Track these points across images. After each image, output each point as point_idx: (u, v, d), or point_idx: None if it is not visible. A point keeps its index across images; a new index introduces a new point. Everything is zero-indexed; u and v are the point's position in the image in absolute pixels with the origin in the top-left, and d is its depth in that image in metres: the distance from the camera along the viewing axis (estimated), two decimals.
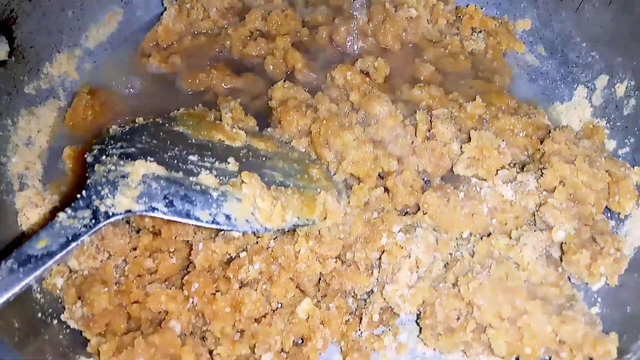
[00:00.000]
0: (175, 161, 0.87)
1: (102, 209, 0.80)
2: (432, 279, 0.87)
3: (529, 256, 0.85)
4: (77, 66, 1.15)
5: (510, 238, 0.89)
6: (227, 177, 0.87)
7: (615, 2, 1.06)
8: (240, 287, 0.86)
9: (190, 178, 0.85)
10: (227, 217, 0.84)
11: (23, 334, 0.81)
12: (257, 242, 0.91)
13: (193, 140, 0.92)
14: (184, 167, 0.86)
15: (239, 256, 0.88)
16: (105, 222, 0.79)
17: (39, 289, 0.89)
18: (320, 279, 0.92)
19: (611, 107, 1.08)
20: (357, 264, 0.89)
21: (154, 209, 0.81)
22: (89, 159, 0.84)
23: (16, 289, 0.72)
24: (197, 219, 0.83)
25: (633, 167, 0.96)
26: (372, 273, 0.90)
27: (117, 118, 1.10)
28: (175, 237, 0.91)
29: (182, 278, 0.89)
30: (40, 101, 1.08)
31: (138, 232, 0.93)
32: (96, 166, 0.83)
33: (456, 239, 0.93)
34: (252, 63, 1.17)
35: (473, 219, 0.92)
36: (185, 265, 0.92)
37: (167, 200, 0.82)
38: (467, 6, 1.24)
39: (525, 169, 0.98)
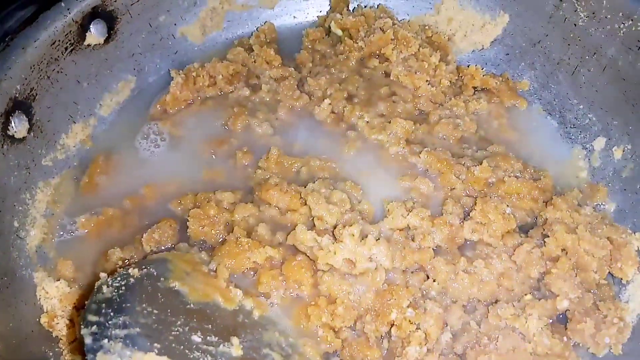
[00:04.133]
0: (181, 348, 0.78)
1: None
2: (440, 350, 0.89)
3: (535, 327, 0.88)
4: (92, 134, 1.19)
5: (516, 307, 0.91)
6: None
7: (609, 68, 1.10)
8: None
9: None
10: None
11: None
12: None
13: (191, 305, 0.85)
14: (190, 357, 0.77)
15: None
16: None
17: None
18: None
19: (609, 169, 1.11)
20: (368, 335, 0.91)
21: None
22: (88, 339, 0.74)
23: None
24: None
25: (634, 232, 0.99)
26: (382, 343, 0.92)
27: (130, 181, 1.14)
28: None
29: None
30: (56, 172, 1.11)
31: None
32: (98, 355, 0.72)
33: (463, 306, 0.96)
34: None
35: (481, 285, 0.95)
36: None
37: None
38: (467, 66, 1.28)
39: (529, 234, 1.01)
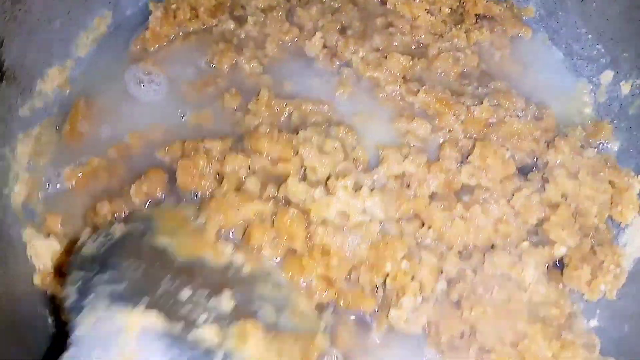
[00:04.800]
0: (170, 302, 0.76)
1: None
2: (435, 298, 0.90)
3: (531, 275, 0.87)
4: (69, 78, 1.12)
5: (512, 255, 0.91)
6: (226, 323, 0.78)
7: None
8: None
9: (191, 333, 0.75)
10: None
11: None
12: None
13: (180, 260, 0.82)
14: (180, 311, 0.76)
15: None
16: None
17: None
18: None
19: (616, 105, 1.06)
20: (362, 285, 0.91)
21: None
22: (71, 297, 0.72)
23: None
24: None
25: (637, 174, 0.96)
26: (377, 292, 0.92)
27: (114, 128, 1.09)
28: None
29: None
30: (35, 121, 1.05)
31: None
32: (84, 312, 0.70)
33: (459, 252, 0.95)
34: None
35: (477, 230, 0.94)
36: None
37: None
38: None
39: (528, 177, 0.99)
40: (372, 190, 0.91)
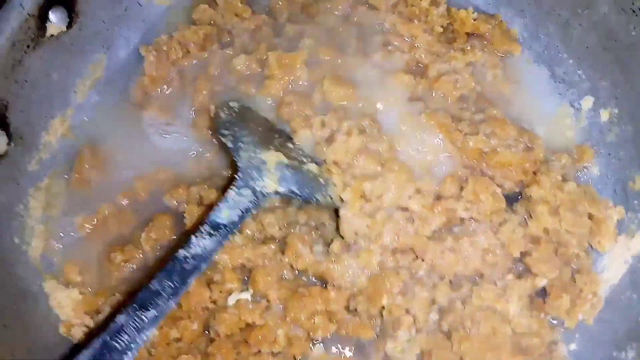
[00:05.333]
0: (285, 150, 1.03)
1: (257, 188, 0.98)
2: (428, 329, 0.98)
3: (514, 309, 0.95)
4: (72, 126, 1.16)
5: (498, 287, 0.98)
6: (320, 164, 1.04)
7: (601, 26, 1.05)
8: (258, 353, 0.97)
9: (303, 166, 1.02)
10: (331, 197, 1.02)
11: None
12: (267, 307, 1.00)
13: (277, 126, 1.09)
14: (292, 154, 1.03)
15: (255, 323, 0.98)
16: (264, 201, 0.99)
17: None
18: None
19: (595, 130, 1.11)
20: (360, 315, 0.99)
21: (292, 192, 1.00)
22: (229, 144, 1.02)
23: (216, 251, 0.93)
24: (317, 201, 1.01)
25: (615, 204, 1.02)
26: (374, 322, 1.00)
27: (122, 173, 1.15)
28: (195, 306, 1.01)
29: (205, 344, 1.00)
30: (44, 173, 1.10)
31: None
32: (241, 152, 1.00)
33: (450, 282, 1.02)
34: None
35: (466, 261, 1.00)
36: (206, 328, 1.02)
37: (298, 185, 1.00)
38: (457, 9, 1.19)
39: (514, 207, 1.05)
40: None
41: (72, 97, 1.16)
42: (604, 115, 1.09)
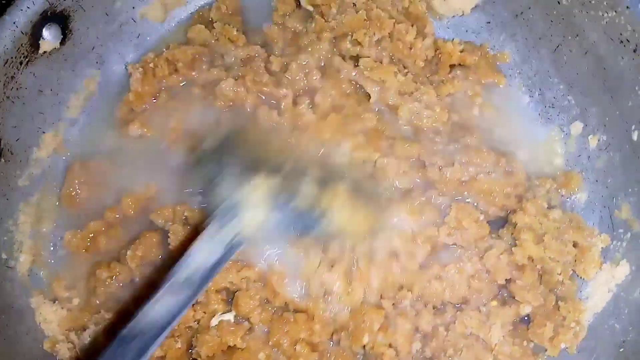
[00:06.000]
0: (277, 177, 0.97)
1: (233, 235, 0.90)
2: (411, 358, 0.98)
3: (497, 336, 0.95)
4: (64, 141, 1.17)
5: (481, 313, 0.98)
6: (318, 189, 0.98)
7: (591, 54, 1.05)
8: None
9: (293, 201, 0.96)
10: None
11: None
12: (250, 329, 1.00)
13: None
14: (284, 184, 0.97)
15: (237, 346, 0.98)
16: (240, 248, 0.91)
17: None
18: None
19: (584, 156, 1.11)
20: (343, 348, 0.99)
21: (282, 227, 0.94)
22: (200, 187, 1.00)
23: (186, 306, 0.84)
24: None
25: (600, 233, 1.02)
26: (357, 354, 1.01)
27: (112, 189, 1.15)
28: (179, 325, 1.01)
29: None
30: (34, 189, 1.11)
31: None
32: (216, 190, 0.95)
33: (434, 307, 1.02)
34: None
35: (452, 289, 1.01)
36: (189, 346, 1.03)
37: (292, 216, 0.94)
38: (444, 41, 1.20)
39: (499, 233, 1.05)
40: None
41: (65, 112, 1.17)
42: (592, 142, 1.09)
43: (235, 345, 0.97)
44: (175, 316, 0.80)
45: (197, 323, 1.01)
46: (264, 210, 0.93)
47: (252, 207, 0.93)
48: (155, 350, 0.79)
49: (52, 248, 1.11)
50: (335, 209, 0.97)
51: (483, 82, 1.19)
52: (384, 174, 1.05)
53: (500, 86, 1.20)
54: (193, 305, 1.00)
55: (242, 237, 0.90)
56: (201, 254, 0.86)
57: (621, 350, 0.94)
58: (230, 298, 1.02)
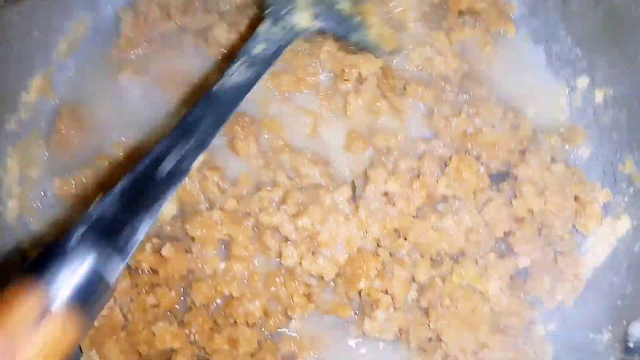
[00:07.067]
0: None
1: (289, 25, 0.97)
2: (406, 307, 0.97)
3: (494, 288, 0.94)
4: (53, 85, 1.13)
5: (479, 265, 0.97)
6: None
7: (602, 3, 1.02)
8: (234, 323, 0.96)
9: (336, 4, 1.02)
10: (366, 39, 1.03)
11: None
12: (245, 279, 0.99)
13: None
14: None
15: (233, 295, 0.97)
16: (298, 37, 0.98)
17: None
18: None
19: (589, 111, 1.08)
20: (339, 295, 0.98)
21: (326, 28, 1.01)
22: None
23: (254, 83, 0.89)
24: (352, 39, 1.03)
25: (602, 186, 1.01)
26: (352, 301, 0.99)
27: (103, 136, 1.12)
28: (172, 274, 0.99)
29: (182, 312, 0.99)
30: (23, 133, 1.08)
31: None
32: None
33: (431, 258, 1.01)
34: None
35: (449, 239, 0.99)
36: (183, 296, 1.01)
37: (332, 22, 1.00)
38: None
39: (500, 187, 1.03)
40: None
41: (54, 56, 1.13)
42: (599, 97, 1.06)
43: (230, 293, 0.96)
44: (249, 85, 0.89)
45: (192, 273, 0.99)
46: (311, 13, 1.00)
47: (301, 9, 1.00)
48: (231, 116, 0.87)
49: (40, 195, 1.08)
50: (369, 22, 1.03)
51: (492, 30, 1.15)
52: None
53: (509, 37, 1.16)
54: (187, 253, 0.99)
55: (298, 28, 0.98)
56: (265, 35, 0.95)
57: (618, 303, 0.94)
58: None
